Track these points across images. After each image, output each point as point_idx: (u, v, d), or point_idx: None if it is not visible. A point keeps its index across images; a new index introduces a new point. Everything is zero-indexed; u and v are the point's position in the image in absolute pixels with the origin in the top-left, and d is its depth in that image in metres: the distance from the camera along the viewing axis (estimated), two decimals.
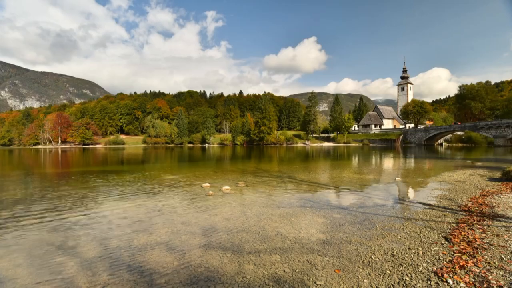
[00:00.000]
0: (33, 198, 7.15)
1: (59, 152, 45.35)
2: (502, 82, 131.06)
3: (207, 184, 8.65)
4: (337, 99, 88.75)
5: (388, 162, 19.49)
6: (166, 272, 2.91)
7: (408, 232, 4.08)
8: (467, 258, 3.04)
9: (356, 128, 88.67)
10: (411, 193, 7.60)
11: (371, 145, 66.54)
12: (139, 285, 2.66)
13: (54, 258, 3.35)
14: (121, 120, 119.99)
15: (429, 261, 3.06)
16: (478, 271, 2.73)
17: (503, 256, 3.06)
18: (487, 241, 3.51)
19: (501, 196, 6.30)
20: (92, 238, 4.03)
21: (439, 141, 65.60)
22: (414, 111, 75.33)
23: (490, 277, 2.60)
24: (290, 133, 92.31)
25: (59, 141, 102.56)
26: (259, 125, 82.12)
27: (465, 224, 4.27)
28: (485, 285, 2.46)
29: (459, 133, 60.90)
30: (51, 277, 2.87)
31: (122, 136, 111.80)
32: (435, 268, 2.85)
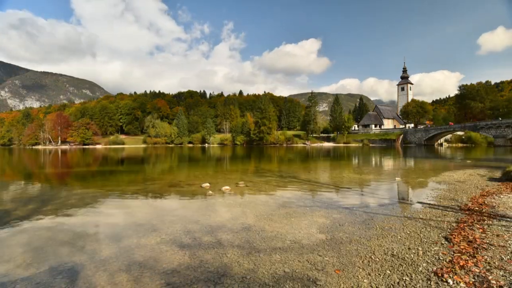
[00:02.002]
0: (41, 198, 7.15)
1: (59, 152, 45.36)
2: (502, 82, 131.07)
3: (207, 184, 8.65)
4: (337, 99, 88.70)
5: (388, 162, 19.49)
6: (165, 272, 2.91)
7: (408, 232, 4.07)
8: (467, 258, 3.04)
9: (356, 128, 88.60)
10: (411, 193, 7.60)
11: (371, 145, 66.53)
12: (139, 285, 2.66)
13: (62, 256, 3.35)
14: (121, 120, 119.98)
15: (429, 261, 3.06)
16: (478, 271, 2.73)
17: (503, 256, 3.06)
18: (487, 241, 3.51)
19: (501, 196, 6.29)
20: (93, 238, 4.03)
21: (439, 141, 65.57)
22: (414, 111, 75.30)
23: (490, 277, 2.60)
24: (290, 133, 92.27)
25: (59, 141, 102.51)
26: (259, 125, 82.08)
27: (465, 224, 4.27)
28: (485, 285, 2.46)
29: (459, 133, 60.91)
30: (61, 275, 2.87)
31: (122, 136, 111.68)
32: (435, 268, 2.85)
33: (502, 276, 2.63)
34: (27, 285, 2.73)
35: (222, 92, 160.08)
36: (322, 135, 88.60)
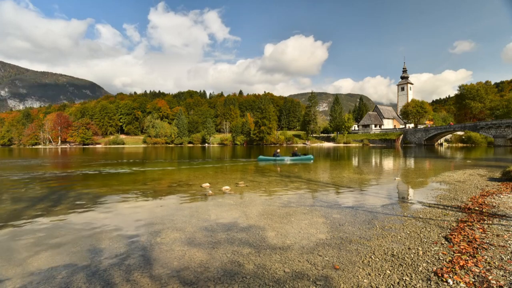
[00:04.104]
0: (46, 197, 7.15)
1: (59, 152, 45.33)
2: (502, 82, 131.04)
3: (207, 184, 8.65)
4: (337, 99, 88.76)
5: (388, 162, 19.49)
6: (165, 272, 2.91)
7: (408, 232, 4.07)
8: (467, 258, 3.04)
9: (356, 128, 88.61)
10: (411, 193, 7.60)
11: (371, 145, 66.52)
12: (139, 285, 2.66)
13: (77, 254, 3.35)
14: (121, 120, 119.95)
15: (429, 261, 3.06)
16: (478, 271, 2.73)
17: (503, 256, 3.06)
18: (487, 241, 3.51)
19: (501, 196, 6.30)
20: (92, 238, 4.03)
21: (439, 141, 65.58)
22: (414, 111, 75.31)
23: (490, 277, 2.60)
24: (290, 133, 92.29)
25: (59, 141, 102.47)
26: (259, 125, 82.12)
27: (465, 224, 4.27)
28: (485, 285, 2.46)
29: (459, 133, 60.90)
30: (76, 272, 2.88)
31: (122, 136, 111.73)
32: (435, 268, 2.85)
33: (502, 276, 2.63)
34: (43, 283, 2.74)
35: (222, 92, 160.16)
36: (322, 135, 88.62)
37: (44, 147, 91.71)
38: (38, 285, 2.71)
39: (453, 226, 4.25)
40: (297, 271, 2.90)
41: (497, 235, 3.73)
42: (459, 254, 3.15)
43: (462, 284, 2.50)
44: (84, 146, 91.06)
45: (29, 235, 4.21)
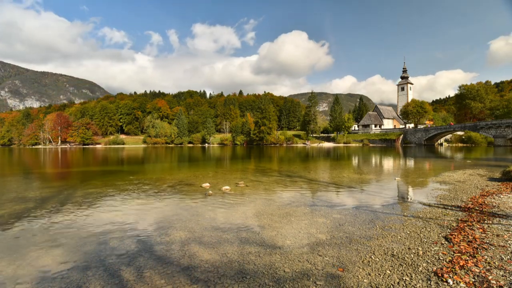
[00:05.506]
0: (44, 198, 7.16)
1: (59, 151, 45.32)
2: (502, 82, 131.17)
3: (207, 184, 8.65)
4: (337, 99, 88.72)
5: (388, 162, 19.49)
6: (165, 272, 2.91)
7: (408, 232, 4.07)
8: (467, 258, 3.04)
9: (356, 128, 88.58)
10: (411, 193, 7.60)
11: (371, 145, 66.52)
12: (140, 284, 2.66)
13: (86, 253, 3.35)
14: (121, 120, 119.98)
15: (429, 261, 3.06)
16: (478, 271, 2.73)
17: (503, 256, 3.06)
18: (487, 241, 3.51)
19: (501, 196, 6.30)
20: (96, 238, 4.03)
21: (439, 141, 65.58)
22: (414, 111, 75.27)
23: (490, 277, 2.60)
24: (290, 133, 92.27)
25: (59, 141, 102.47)
26: (259, 125, 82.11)
27: (465, 224, 4.27)
28: (485, 285, 2.46)
29: (459, 133, 60.90)
30: (87, 270, 2.88)
31: (122, 136, 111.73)
32: (435, 268, 2.85)
33: (502, 276, 2.63)
34: (56, 281, 2.75)
35: (222, 92, 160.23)
36: (322, 135, 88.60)
37: (44, 147, 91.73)
38: (44, 283, 2.71)
39: (453, 226, 4.25)
40: (297, 271, 2.90)
41: (497, 235, 3.73)
42: (459, 254, 3.15)
43: (462, 284, 2.50)
44: (84, 146, 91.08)
45: (34, 234, 4.21)
